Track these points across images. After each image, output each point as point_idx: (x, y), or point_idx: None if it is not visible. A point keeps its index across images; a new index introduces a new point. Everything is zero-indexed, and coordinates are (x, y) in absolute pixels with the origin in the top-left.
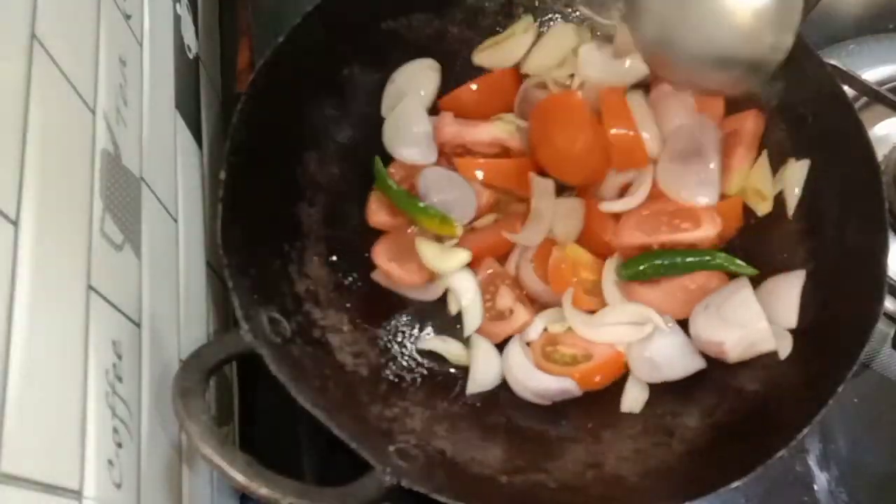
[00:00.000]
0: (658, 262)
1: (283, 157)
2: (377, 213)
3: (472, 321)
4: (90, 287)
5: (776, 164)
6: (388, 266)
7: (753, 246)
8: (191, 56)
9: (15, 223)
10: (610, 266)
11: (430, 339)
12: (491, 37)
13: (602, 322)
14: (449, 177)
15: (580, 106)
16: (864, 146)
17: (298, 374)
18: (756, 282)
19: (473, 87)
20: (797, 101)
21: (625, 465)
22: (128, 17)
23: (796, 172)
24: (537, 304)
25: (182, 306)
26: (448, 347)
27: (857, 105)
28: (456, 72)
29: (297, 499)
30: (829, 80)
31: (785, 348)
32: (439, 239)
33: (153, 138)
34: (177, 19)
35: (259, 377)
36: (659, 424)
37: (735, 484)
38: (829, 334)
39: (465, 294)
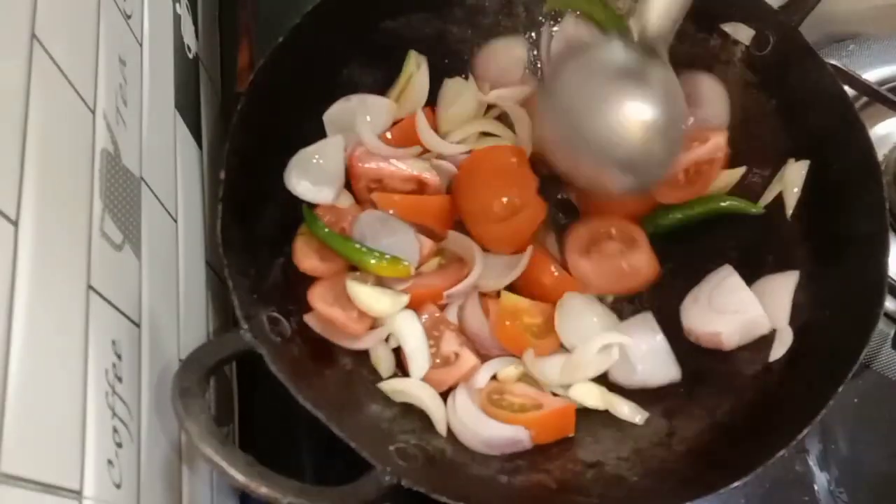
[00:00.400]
0: (674, 214)
1: (282, 157)
2: (306, 259)
3: (419, 366)
4: (90, 287)
5: (776, 164)
6: (329, 311)
7: (753, 245)
8: (191, 56)
9: (15, 223)
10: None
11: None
12: (489, 38)
13: (573, 377)
14: (384, 220)
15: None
16: (864, 146)
17: (298, 374)
18: (749, 281)
19: (388, 135)
20: (797, 101)
21: (625, 465)
22: (128, 16)
23: (796, 173)
24: (482, 352)
25: (182, 306)
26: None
27: (857, 105)
28: (456, 72)
29: (297, 498)
30: (829, 80)
31: (784, 345)
32: (376, 281)
33: (153, 138)
34: (177, 19)
35: (259, 376)
36: (659, 424)
37: (735, 484)
38: (829, 334)
39: (410, 338)
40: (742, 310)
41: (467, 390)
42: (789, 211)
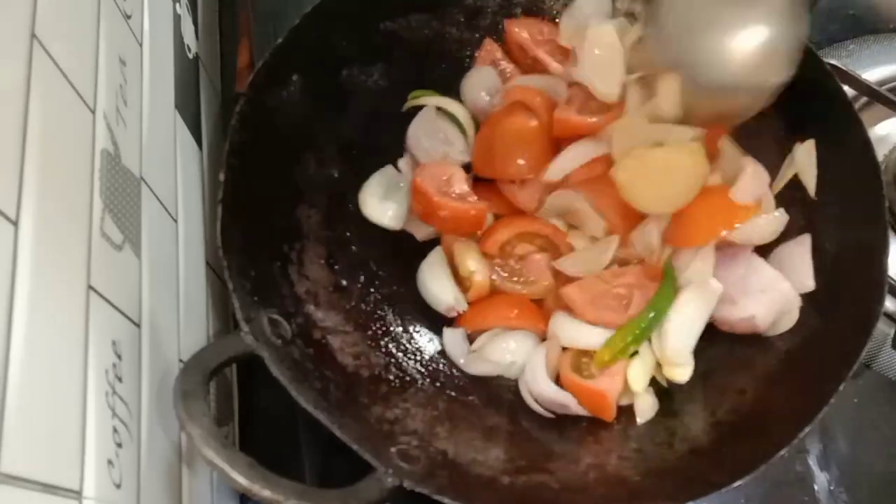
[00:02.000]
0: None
1: (282, 158)
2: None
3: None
4: (90, 287)
5: (776, 164)
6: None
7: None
8: (190, 56)
9: (15, 223)
10: None
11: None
12: (487, 38)
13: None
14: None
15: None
16: (864, 146)
17: (299, 376)
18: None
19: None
20: (797, 101)
21: (626, 465)
22: (128, 16)
23: (805, 152)
24: None
25: (182, 306)
26: None
27: (857, 105)
28: (456, 72)
29: (299, 501)
30: (830, 80)
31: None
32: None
33: (153, 138)
34: (176, 19)
35: (259, 378)
36: (660, 424)
37: (736, 483)
38: (830, 334)
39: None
40: (769, 287)
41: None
42: (812, 190)
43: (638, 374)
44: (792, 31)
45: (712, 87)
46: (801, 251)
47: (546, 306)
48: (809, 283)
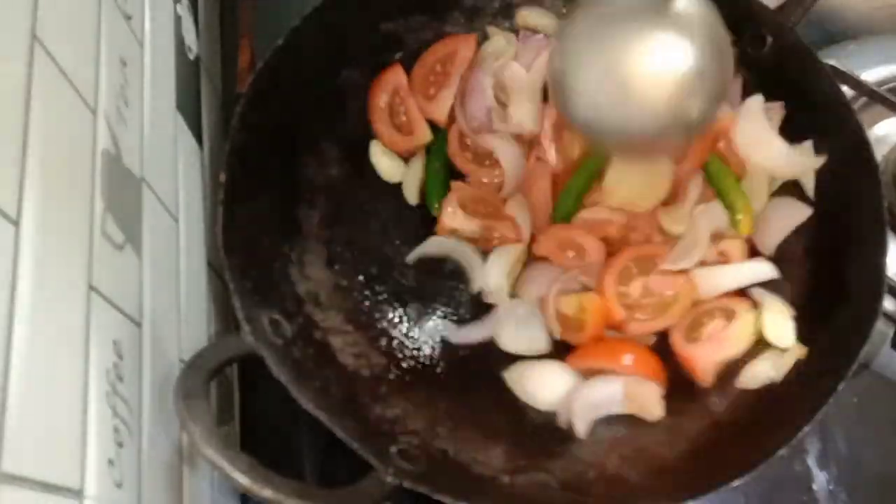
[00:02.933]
0: None
1: (282, 159)
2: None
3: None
4: (91, 287)
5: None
6: None
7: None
8: (191, 56)
9: (16, 223)
10: None
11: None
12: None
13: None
14: None
15: None
16: (863, 146)
17: (300, 376)
18: None
19: None
20: (795, 102)
21: (626, 464)
22: (128, 17)
23: (804, 153)
24: None
25: (183, 306)
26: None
27: (856, 105)
28: None
29: (300, 500)
30: (828, 80)
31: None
32: None
33: (154, 138)
34: (177, 20)
35: (260, 377)
36: (660, 424)
37: (736, 483)
38: (829, 334)
39: None
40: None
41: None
42: (810, 192)
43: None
44: (710, 72)
45: (624, 133)
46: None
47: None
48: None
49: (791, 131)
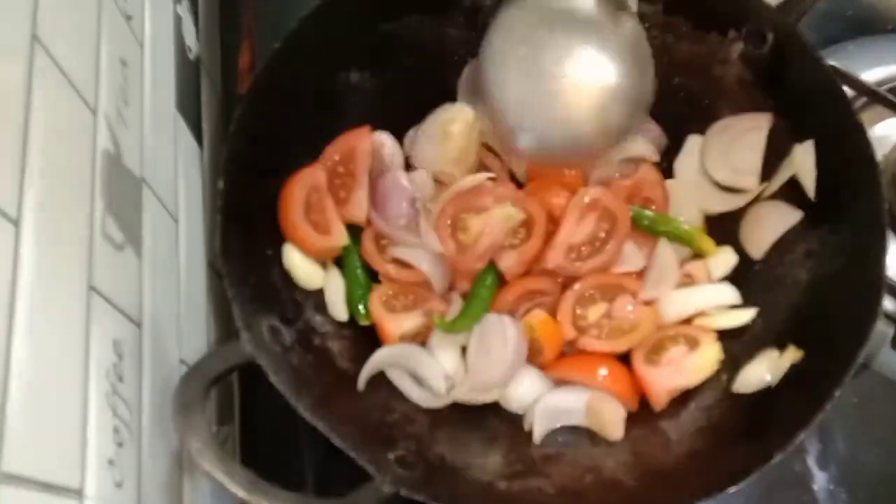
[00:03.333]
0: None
1: (281, 164)
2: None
3: None
4: (91, 287)
5: (774, 165)
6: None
7: None
8: (192, 57)
9: (16, 223)
10: None
11: None
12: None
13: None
14: None
15: None
16: (864, 146)
17: (298, 383)
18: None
19: None
20: (795, 101)
21: (623, 469)
22: (129, 18)
23: (804, 154)
24: None
25: (183, 306)
26: None
27: (856, 105)
28: (456, 74)
29: None
30: (828, 79)
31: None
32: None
33: (154, 139)
34: (178, 20)
35: (260, 383)
36: (657, 428)
37: (734, 488)
38: (829, 334)
39: None
40: None
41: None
42: (811, 192)
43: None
44: (634, 85)
45: (551, 149)
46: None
47: None
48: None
49: (791, 131)
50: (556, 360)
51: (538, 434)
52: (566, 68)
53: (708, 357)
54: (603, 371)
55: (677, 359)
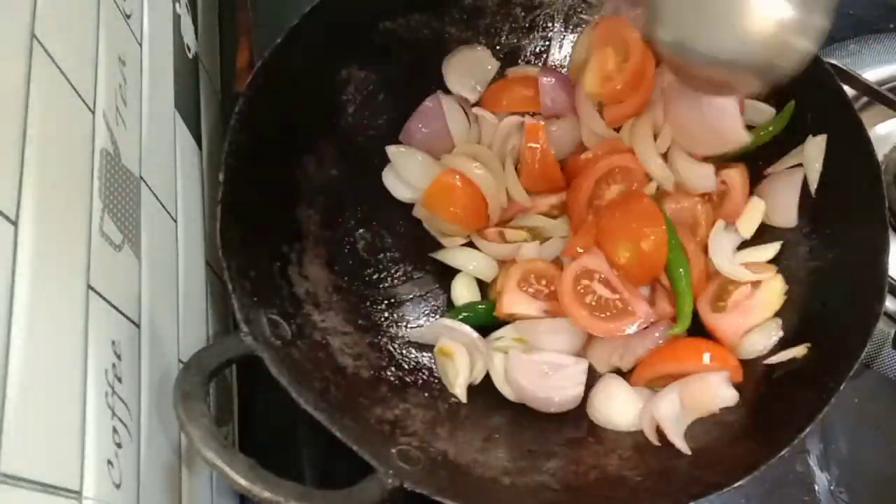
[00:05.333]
0: None
1: (281, 159)
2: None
3: None
4: (89, 287)
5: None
6: None
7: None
8: (190, 56)
9: (14, 223)
10: None
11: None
12: (488, 37)
13: None
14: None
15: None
16: (864, 146)
17: (299, 377)
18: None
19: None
20: (798, 101)
21: (627, 465)
22: (127, 16)
23: (815, 148)
24: None
25: (182, 306)
26: None
27: (857, 105)
28: None
29: (299, 502)
30: (830, 79)
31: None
32: None
33: (152, 138)
34: (176, 19)
35: (259, 378)
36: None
37: (737, 484)
38: (830, 334)
39: None
40: None
41: None
42: (813, 186)
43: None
44: (811, 19)
45: (714, 59)
46: (793, 185)
47: None
48: (792, 218)
49: (793, 130)
50: (641, 365)
51: (683, 446)
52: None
53: (774, 290)
54: (706, 355)
55: (742, 300)
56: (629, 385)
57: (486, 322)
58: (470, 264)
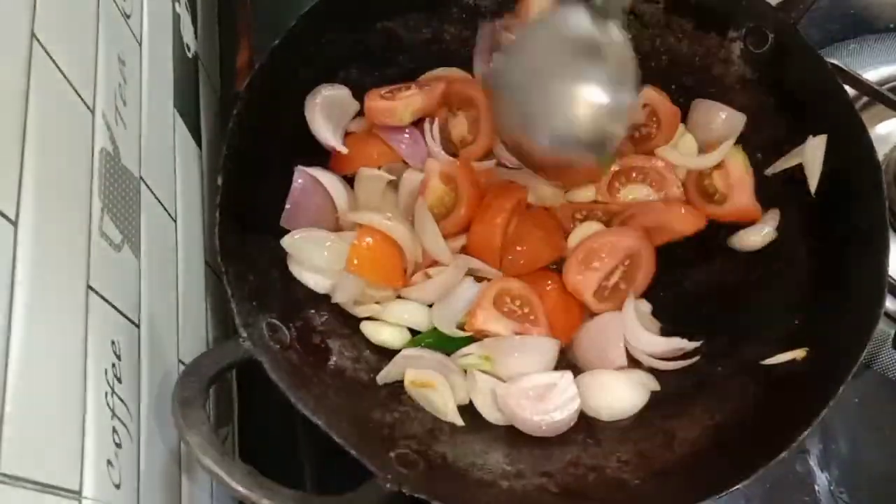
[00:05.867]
0: None
1: (280, 161)
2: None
3: None
4: (89, 287)
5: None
6: None
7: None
8: (190, 55)
9: (14, 223)
10: None
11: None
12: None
13: None
14: None
15: None
16: (864, 146)
17: (298, 381)
18: None
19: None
20: (796, 100)
21: (626, 468)
22: (127, 16)
23: (816, 148)
24: None
25: (181, 306)
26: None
27: (857, 105)
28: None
29: None
30: (830, 79)
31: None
32: None
33: (152, 138)
34: (176, 18)
35: (258, 382)
36: (660, 427)
37: (737, 486)
38: (830, 334)
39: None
40: None
41: None
42: (813, 187)
43: None
44: (622, 97)
45: (552, 141)
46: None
47: None
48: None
49: (793, 130)
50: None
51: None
52: (575, 85)
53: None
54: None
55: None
56: (616, 371)
57: (447, 346)
58: (403, 316)
